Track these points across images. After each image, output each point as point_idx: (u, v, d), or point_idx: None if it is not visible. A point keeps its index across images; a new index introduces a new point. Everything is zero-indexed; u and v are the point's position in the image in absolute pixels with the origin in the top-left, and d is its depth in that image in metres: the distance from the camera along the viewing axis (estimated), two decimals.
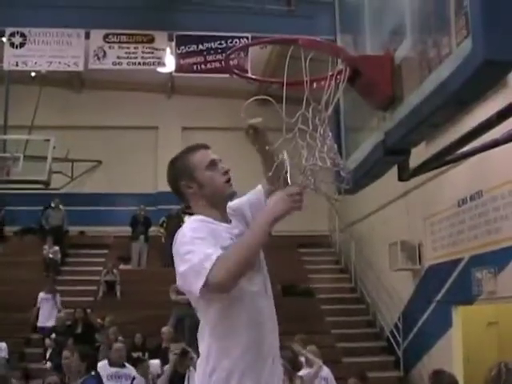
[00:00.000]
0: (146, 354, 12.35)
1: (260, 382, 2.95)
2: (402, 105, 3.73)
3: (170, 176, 3.23)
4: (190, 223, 3.02)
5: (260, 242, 2.88)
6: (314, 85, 3.50)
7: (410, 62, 3.67)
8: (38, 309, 14.67)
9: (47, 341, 12.88)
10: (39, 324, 14.54)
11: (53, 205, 18.66)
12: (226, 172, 3.16)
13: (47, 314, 14.56)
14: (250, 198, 3.38)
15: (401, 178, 4.42)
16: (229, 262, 2.79)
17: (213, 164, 3.14)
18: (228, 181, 3.15)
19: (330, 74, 3.31)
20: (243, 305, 2.96)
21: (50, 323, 14.23)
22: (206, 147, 3.22)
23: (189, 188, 3.14)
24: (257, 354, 2.96)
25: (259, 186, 3.42)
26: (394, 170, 4.42)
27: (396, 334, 13.90)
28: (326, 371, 9.61)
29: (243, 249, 2.83)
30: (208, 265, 2.78)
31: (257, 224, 2.91)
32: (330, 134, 3.13)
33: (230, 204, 3.26)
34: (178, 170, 3.18)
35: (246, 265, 2.84)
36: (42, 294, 14.75)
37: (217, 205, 3.13)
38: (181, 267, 2.89)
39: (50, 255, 17.19)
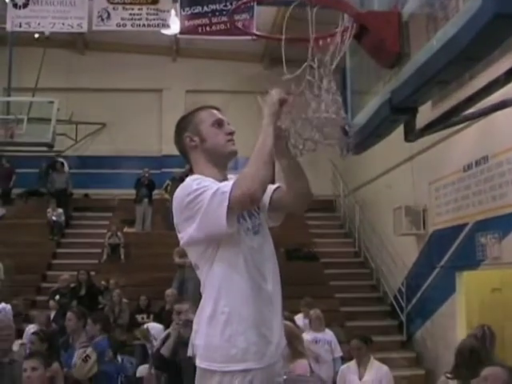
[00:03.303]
0: (151, 317, 12.40)
1: (260, 329, 2.95)
2: (409, 62, 3.66)
3: (176, 129, 3.24)
4: (191, 179, 3.00)
5: (269, 143, 2.90)
6: (320, 42, 3.45)
7: (418, 19, 3.60)
8: None
9: (51, 303, 12.88)
10: None
11: (57, 167, 18.64)
12: (231, 133, 3.17)
13: None
14: None
15: (407, 139, 4.37)
16: (247, 173, 2.83)
17: (219, 122, 3.16)
18: (230, 140, 3.15)
19: (337, 30, 3.28)
20: (243, 254, 2.97)
21: None
22: (216, 108, 3.25)
23: (191, 141, 3.14)
24: (256, 302, 2.95)
25: None
26: (401, 134, 4.36)
27: (400, 298, 13.92)
28: (329, 335, 9.65)
29: (256, 157, 2.86)
30: (226, 189, 2.82)
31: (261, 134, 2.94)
32: (335, 87, 3.10)
33: None
34: (185, 123, 3.20)
35: (264, 167, 2.84)
36: None
37: (217, 163, 3.13)
38: (197, 208, 2.86)
39: (54, 218, 17.21)
